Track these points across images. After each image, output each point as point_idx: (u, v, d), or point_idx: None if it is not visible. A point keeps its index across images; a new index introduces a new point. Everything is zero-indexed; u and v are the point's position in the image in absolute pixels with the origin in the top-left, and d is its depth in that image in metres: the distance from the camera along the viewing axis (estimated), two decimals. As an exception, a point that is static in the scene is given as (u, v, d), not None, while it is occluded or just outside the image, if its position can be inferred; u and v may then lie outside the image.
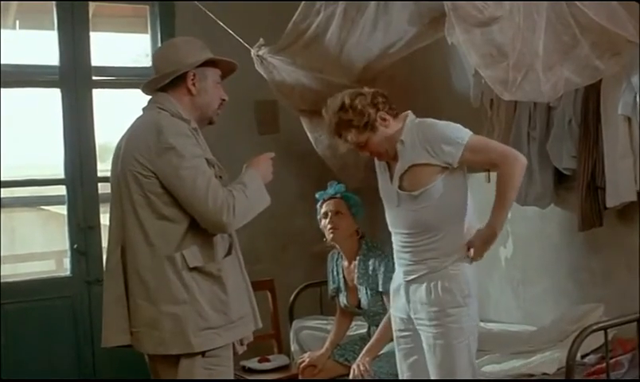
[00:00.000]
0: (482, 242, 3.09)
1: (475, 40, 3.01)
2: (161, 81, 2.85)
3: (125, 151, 2.79)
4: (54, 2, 4.84)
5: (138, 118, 2.89)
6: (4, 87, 4.66)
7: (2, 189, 4.74)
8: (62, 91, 4.89)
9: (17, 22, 5.18)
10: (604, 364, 3.23)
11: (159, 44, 5.12)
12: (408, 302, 3.16)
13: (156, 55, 3.06)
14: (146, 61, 5.30)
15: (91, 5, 5.00)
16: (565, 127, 3.96)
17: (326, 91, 4.02)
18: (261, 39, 4.25)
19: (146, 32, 5.22)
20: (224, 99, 2.96)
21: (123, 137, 2.86)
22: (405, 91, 5.32)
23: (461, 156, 3.03)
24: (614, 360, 3.35)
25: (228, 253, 2.80)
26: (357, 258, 4.00)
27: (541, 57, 3.06)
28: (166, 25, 5.10)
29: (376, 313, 3.97)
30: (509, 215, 4.46)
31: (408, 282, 3.15)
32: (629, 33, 3.07)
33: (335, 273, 4.20)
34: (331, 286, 4.24)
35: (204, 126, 2.96)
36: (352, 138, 3.13)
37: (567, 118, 3.95)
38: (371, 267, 3.93)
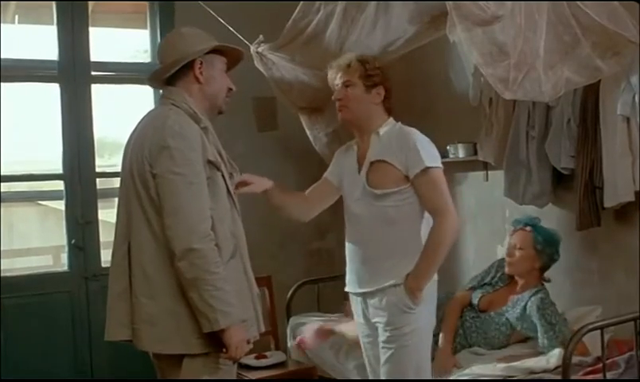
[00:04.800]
0: (408, 291, 3.06)
1: (476, 38, 3.01)
2: (168, 70, 2.81)
3: (133, 147, 2.76)
4: (54, -1, 4.85)
5: (149, 112, 2.87)
6: (3, 81, 4.65)
7: (1, 184, 4.74)
8: (61, 86, 4.88)
9: (17, 17, 5.17)
10: (600, 365, 3.24)
11: (158, 41, 5.12)
12: (366, 306, 3.20)
13: (162, 45, 3.00)
14: (145, 57, 5.30)
15: (91, 0, 5.00)
16: (564, 127, 3.97)
17: (325, 89, 4.02)
18: (260, 36, 4.24)
19: (146, 28, 5.22)
20: (231, 89, 2.93)
21: (134, 131, 2.83)
22: (404, 89, 5.33)
23: (417, 174, 3.06)
24: (610, 360, 3.36)
25: (233, 256, 2.75)
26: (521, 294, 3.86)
27: (542, 57, 3.06)
28: (166, 21, 5.10)
29: (500, 342, 3.86)
30: (507, 213, 4.53)
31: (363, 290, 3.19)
32: (630, 33, 3.08)
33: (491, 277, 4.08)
34: (482, 281, 4.10)
35: (215, 117, 2.92)
36: (352, 88, 3.18)
37: (565, 118, 3.95)
38: (528, 310, 3.74)
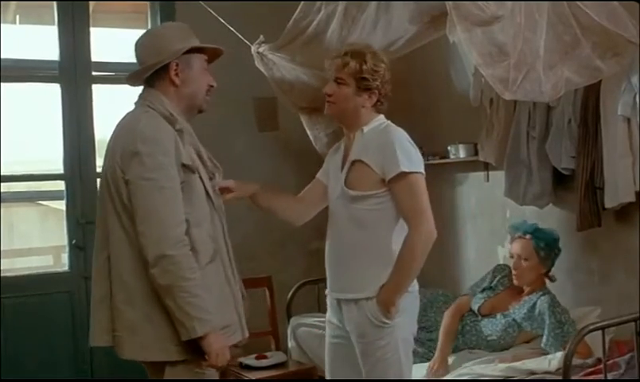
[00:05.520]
0: (381, 305, 2.95)
1: (476, 39, 3.01)
2: (144, 74, 2.74)
3: (109, 151, 2.69)
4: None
5: (126, 115, 2.78)
6: (3, 81, 4.66)
7: (1, 184, 4.74)
8: (62, 87, 4.89)
9: (18, 17, 5.18)
10: (601, 366, 3.24)
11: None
12: (340, 311, 3.10)
13: (138, 45, 2.83)
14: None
15: (92, 0, 5.01)
16: (564, 127, 3.97)
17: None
18: (261, 36, 4.25)
19: (147, 28, 5.21)
20: (212, 85, 2.83)
21: (112, 135, 2.76)
22: (404, 89, 5.33)
23: (393, 178, 2.92)
24: (611, 361, 3.36)
25: (212, 260, 2.67)
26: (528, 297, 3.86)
27: (542, 57, 3.05)
28: (166, 21, 5.08)
29: (505, 343, 3.85)
30: (508, 214, 4.52)
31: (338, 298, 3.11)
32: (629, 33, 3.08)
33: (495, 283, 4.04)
34: (481, 287, 4.06)
35: (195, 115, 2.85)
36: (344, 86, 3.04)
37: (566, 118, 3.95)
38: (538, 309, 3.74)
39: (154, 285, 2.53)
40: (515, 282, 3.90)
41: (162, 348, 2.59)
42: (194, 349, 2.57)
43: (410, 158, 2.95)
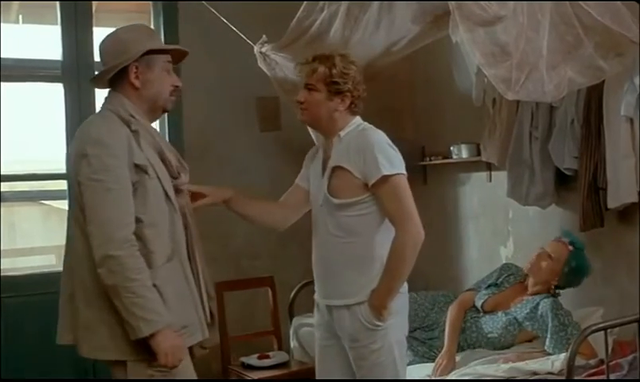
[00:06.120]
0: (372, 309, 2.96)
1: (479, 39, 3.00)
2: (105, 76, 2.74)
3: (68, 154, 2.73)
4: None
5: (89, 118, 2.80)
6: (6, 81, 4.66)
7: (3, 184, 4.74)
8: (64, 86, 4.88)
9: (20, 17, 5.18)
10: (604, 366, 3.23)
11: (162, 41, 5.11)
12: (331, 318, 3.10)
13: (101, 47, 2.81)
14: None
15: (95, 0, 5.01)
16: (567, 127, 3.97)
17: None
18: (264, 36, 4.24)
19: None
20: (176, 86, 2.80)
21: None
22: (407, 89, 5.33)
23: (375, 183, 2.90)
24: (613, 362, 3.35)
25: (170, 259, 2.66)
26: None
27: (545, 57, 3.05)
28: (169, 21, 5.10)
29: (505, 341, 3.84)
30: (510, 214, 4.52)
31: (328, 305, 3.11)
32: (632, 33, 3.07)
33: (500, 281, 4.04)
34: (487, 283, 4.06)
35: (160, 116, 2.88)
36: (315, 93, 3.02)
37: (569, 119, 3.95)
38: (540, 311, 3.73)
39: (102, 285, 2.54)
40: (528, 270, 3.88)
41: (117, 348, 2.60)
42: (147, 349, 2.57)
43: (390, 161, 2.92)
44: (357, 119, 3.10)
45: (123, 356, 2.61)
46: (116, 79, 2.74)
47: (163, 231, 2.66)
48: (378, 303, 2.93)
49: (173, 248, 2.68)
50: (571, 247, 3.81)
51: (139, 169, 2.61)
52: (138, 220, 2.58)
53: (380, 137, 2.99)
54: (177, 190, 2.78)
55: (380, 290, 2.94)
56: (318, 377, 3.26)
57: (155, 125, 4.90)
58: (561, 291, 3.88)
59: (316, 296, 3.21)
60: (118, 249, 2.50)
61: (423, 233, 2.92)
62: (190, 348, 2.76)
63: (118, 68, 2.70)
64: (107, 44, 2.79)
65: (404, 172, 2.97)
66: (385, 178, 2.89)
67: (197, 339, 2.75)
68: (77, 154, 2.61)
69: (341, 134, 3.04)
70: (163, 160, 2.72)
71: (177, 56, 2.87)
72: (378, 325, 2.95)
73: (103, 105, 2.77)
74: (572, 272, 3.81)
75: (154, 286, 2.57)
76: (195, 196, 3.00)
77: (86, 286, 2.62)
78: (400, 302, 3.03)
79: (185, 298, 2.71)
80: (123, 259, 2.51)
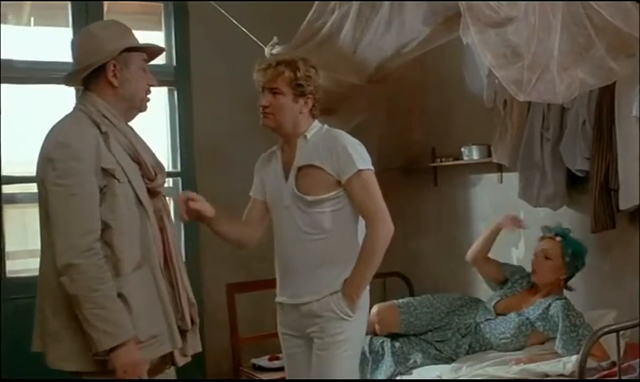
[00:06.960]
0: (346, 297, 3.03)
1: (490, 40, 3.00)
2: (80, 75, 2.65)
3: (38, 157, 2.63)
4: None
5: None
6: (19, 83, 4.69)
7: (15, 185, 4.76)
8: (76, 88, 4.89)
9: (32, 19, 5.21)
10: (616, 368, 3.22)
11: (173, 42, 5.12)
12: (300, 316, 3.12)
13: (73, 44, 2.73)
14: (160, 58, 5.30)
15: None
16: (579, 129, 3.95)
17: (338, 90, 4.01)
18: (275, 37, 4.25)
19: (160, 29, 5.24)
20: (151, 84, 2.74)
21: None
22: (418, 91, 5.32)
23: (350, 178, 3.00)
24: (625, 364, 3.33)
25: (139, 267, 2.56)
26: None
27: (556, 58, 3.05)
28: (180, 22, 5.13)
29: (518, 343, 3.85)
30: (521, 215, 4.50)
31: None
32: (642, 34, 3.07)
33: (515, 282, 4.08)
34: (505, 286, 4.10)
35: (135, 116, 2.77)
36: (280, 96, 3.08)
37: (580, 120, 3.94)
38: (552, 311, 3.74)
39: (64, 294, 2.46)
40: (533, 278, 3.92)
41: (81, 359, 2.52)
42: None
43: (362, 156, 3.05)
44: (317, 122, 3.19)
45: (85, 367, 2.53)
46: (91, 78, 2.66)
47: (133, 237, 2.56)
48: (351, 292, 3.03)
49: (144, 255, 2.58)
50: (559, 238, 3.87)
51: (107, 173, 2.52)
52: (106, 226, 2.50)
53: (347, 135, 3.12)
54: (154, 193, 2.70)
55: (354, 279, 3.03)
56: None
57: (166, 126, 4.97)
58: (573, 287, 3.92)
59: (280, 297, 3.22)
60: (79, 257, 2.42)
61: (392, 227, 3.03)
62: (171, 356, 2.68)
63: (95, 66, 2.61)
64: (81, 41, 2.71)
65: (372, 169, 3.09)
66: (359, 173, 3.01)
67: (168, 349, 2.64)
68: (43, 158, 2.55)
69: (307, 135, 3.13)
70: (138, 162, 2.64)
71: (151, 54, 2.79)
72: (349, 316, 3.03)
73: (76, 104, 2.70)
74: (573, 258, 3.86)
75: (121, 295, 2.48)
76: (184, 201, 3.06)
77: (54, 294, 2.52)
78: (364, 300, 3.14)
79: (154, 307, 2.60)
80: (85, 267, 2.42)
